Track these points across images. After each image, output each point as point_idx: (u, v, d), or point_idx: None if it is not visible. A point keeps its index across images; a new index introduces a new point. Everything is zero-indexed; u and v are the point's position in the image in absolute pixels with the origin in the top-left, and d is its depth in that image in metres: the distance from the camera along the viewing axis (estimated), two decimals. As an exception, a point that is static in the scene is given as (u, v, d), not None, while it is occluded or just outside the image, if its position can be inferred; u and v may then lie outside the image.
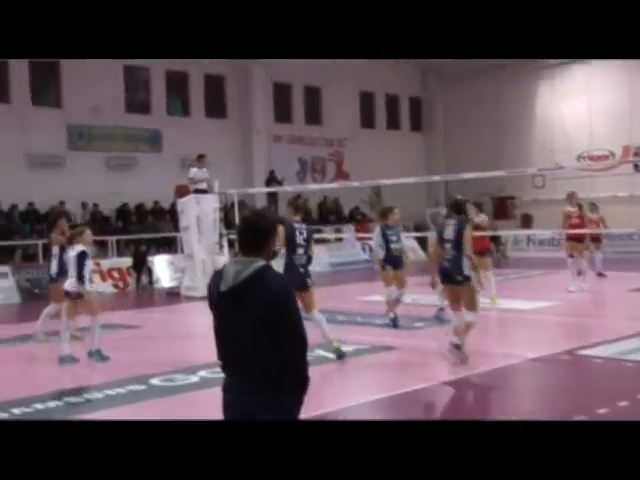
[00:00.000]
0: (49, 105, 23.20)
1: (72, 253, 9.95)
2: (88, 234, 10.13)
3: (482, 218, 13.69)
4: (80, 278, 9.81)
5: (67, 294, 10.04)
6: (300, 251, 9.29)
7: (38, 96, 22.94)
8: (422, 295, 13.20)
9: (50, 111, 23.01)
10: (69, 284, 9.97)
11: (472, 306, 8.83)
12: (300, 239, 9.31)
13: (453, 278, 8.77)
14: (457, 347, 8.80)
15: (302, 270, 9.23)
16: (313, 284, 9.38)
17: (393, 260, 11.56)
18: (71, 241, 10.10)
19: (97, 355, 9.91)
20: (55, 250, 11.33)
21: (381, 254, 11.56)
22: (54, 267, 11.27)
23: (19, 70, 22.26)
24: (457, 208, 9.12)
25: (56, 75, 23.20)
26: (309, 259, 9.35)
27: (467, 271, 8.73)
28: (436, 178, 20.89)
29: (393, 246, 11.55)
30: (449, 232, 8.84)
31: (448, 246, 8.81)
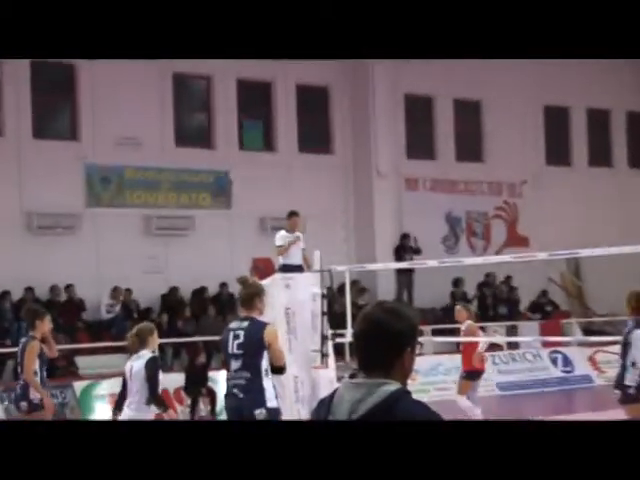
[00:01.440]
0: (59, 137, 24.25)
1: (136, 363, 10.66)
2: (156, 334, 11.10)
3: None
4: (156, 400, 10.63)
5: None
6: (235, 365, 9.50)
7: (43, 124, 23.92)
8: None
9: (61, 146, 23.94)
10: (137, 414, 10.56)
11: None
12: (233, 346, 9.51)
13: None
14: None
15: (241, 396, 9.44)
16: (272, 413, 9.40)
17: None
18: (136, 345, 10.87)
19: None
20: (36, 364, 12.36)
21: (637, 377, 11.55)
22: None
23: (16, 87, 23.30)
24: None
25: (70, 92, 24.36)
26: (276, 371, 9.66)
27: None
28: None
29: None
30: None
31: None
